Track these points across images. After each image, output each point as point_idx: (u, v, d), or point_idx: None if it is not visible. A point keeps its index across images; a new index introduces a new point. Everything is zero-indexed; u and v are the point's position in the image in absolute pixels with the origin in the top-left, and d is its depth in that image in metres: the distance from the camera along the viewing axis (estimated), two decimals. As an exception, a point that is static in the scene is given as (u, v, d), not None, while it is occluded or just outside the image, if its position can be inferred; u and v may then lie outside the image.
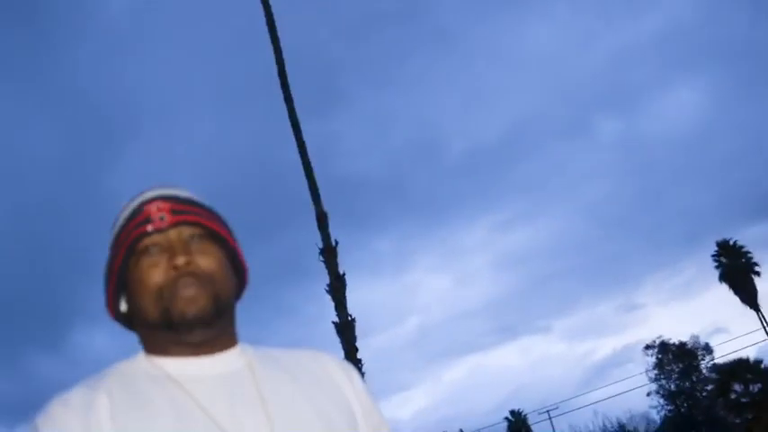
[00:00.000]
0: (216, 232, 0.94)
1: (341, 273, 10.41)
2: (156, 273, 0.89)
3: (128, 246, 0.91)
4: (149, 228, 0.90)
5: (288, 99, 12.30)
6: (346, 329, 9.93)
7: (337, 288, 10.21)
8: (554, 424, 35.21)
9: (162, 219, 0.91)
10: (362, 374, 9.23)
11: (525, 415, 38.40)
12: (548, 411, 35.53)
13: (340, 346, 9.98)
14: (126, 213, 0.95)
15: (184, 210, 0.93)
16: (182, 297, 0.87)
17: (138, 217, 0.92)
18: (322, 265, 10.54)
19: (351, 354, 9.88)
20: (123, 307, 0.96)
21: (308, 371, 0.97)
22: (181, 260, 0.88)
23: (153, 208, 0.92)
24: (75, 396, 0.85)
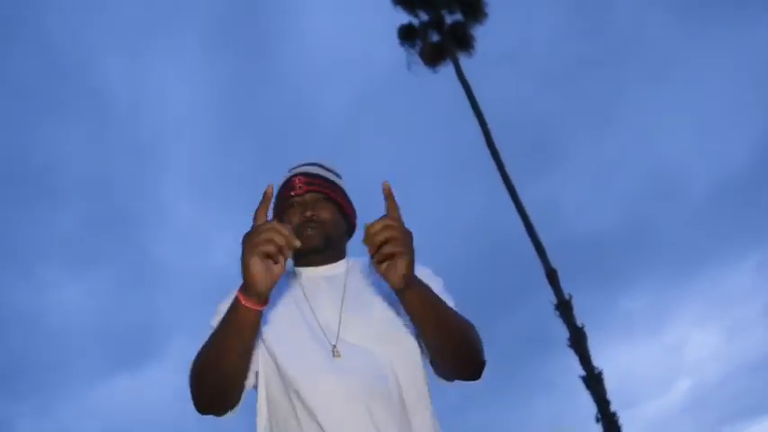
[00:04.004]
0: (331, 197, 1.52)
1: (579, 325, 10.28)
2: (294, 218, 1.47)
3: (284, 201, 1.51)
4: (293, 193, 1.51)
5: (500, 166, 12.84)
6: (594, 382, 9.67)
7: (578, 341, 10.08)
8: None
9: (300, 188, 1.51)
10: (620, 429, 8.78)
11: None
12: None
13: (591, 400, 9.72)
14: (282, 181, 1.56)
15: (314, 182, 1.52)
16: (305, 235, 1.44)
17: (288, 186, 1.52)
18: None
19: (603, 407, 9.55)
20: None
21: None
22: (308, 213, 1.47)
23: (298, 180, 1.52)
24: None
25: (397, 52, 15.12)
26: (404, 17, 14.81)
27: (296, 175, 1.53)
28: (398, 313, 1.38)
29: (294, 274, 1.50)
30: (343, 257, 1.54)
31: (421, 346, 1.37)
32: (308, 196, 1.50)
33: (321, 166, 1.59)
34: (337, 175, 1.60)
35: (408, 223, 1.25)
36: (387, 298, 1.40)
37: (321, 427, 1.25)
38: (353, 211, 1.59)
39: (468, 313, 1.40)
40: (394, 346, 1.35)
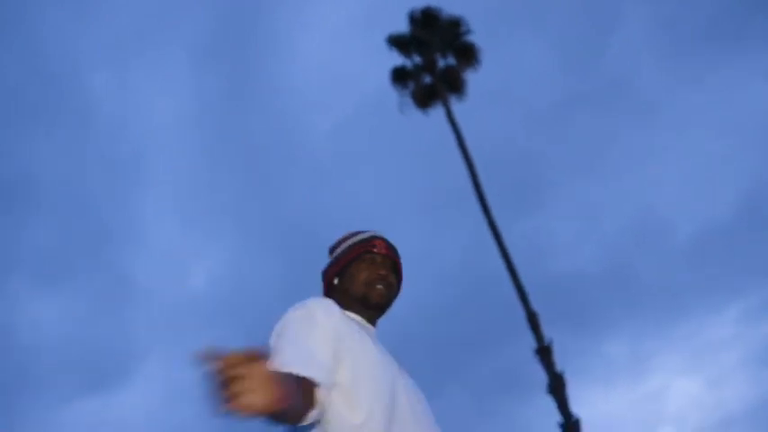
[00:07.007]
0: (399, 269, 1.66)
1: (559, 372, 10.34)
2: (367, 273, 1.57)
3: (358, 253, 1.61)
4: (375, 250, 1.61)
5: (486, 210, 13.00)
6: (572, 430, 9.69)
7: (557, 388, 10.12)
8: None
9: (381, 248, 1.62)
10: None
11: None
12: None
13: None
14: (360, 237, 1.65)
15: (393, 251, 1.65)
16: (378, 292, 1.55)
17: (370, 242, 1.62)
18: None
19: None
20: (336, 281, 1.61)
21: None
22: (383, 272, 1.57)
23: (379, 242, 1.64)
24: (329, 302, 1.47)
25: (387, 84, 15.33)
26: (396, 50, 15.10)
27: (377, 237, 1.64)
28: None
29: (353, 320, 1.53)
30: None
31: None
32: (383, 259, 1.61)
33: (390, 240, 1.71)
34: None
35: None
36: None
37: None
38: (402, 278, 1.69)
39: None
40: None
